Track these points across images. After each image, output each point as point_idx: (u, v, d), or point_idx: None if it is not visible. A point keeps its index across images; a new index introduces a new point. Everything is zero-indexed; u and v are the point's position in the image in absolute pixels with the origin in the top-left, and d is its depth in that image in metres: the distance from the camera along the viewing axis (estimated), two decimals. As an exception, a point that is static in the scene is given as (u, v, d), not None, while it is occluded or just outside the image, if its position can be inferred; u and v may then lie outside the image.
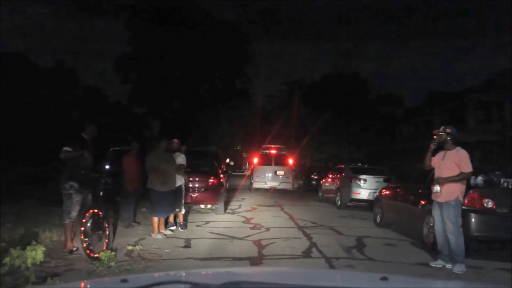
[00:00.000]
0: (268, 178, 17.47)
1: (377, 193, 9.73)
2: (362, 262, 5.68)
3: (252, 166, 19.25)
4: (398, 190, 8.43)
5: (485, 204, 5.95)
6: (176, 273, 2.12)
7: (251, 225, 8.57)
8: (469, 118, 25.79)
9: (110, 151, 8.92)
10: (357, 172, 12.64)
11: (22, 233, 6.00)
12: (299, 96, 36.16)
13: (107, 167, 7.80)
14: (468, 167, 5.33)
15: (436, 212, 5.54)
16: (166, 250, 6.03)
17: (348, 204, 12.39)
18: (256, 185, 17.57)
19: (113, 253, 5.27)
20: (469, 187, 5.59)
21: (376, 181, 11.69)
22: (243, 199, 14.41)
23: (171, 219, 7.81)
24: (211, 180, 9.75)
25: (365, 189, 11.98)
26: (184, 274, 2.08)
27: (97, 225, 5.50)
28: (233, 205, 12.33)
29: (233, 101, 28.15)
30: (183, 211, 8.06)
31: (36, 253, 4.37)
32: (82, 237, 5.11)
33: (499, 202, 5.96)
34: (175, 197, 7.55)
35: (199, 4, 27.29)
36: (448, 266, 5.39)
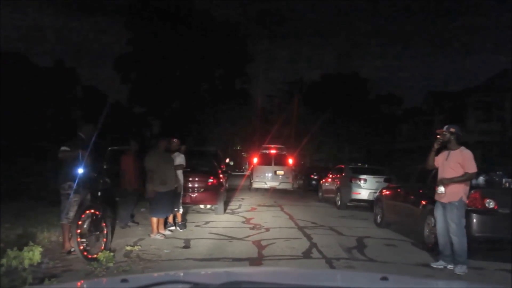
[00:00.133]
0: (268, 178, 17.44)
1: (377, 193, 9.69)
2: (363, 263, 5.64)
3: (252, 166, 19.23)
4: (399, 190, 8.39)
5: (486, 205, 5.90)
6: (176, 273, 2.11)
7: (251, 226, 8.52)
8: (469, 118, 25.78)
9: (108, 150, 8.88)
10: (357, 172, 12.61)
11: (19, 233, 5.95)
12: (299, 96, 36.12)
13: (104, 167, 7.75)
14: (472, 168, 5.26)
15: (438, 213, 5.48)
16: (165, 251, 5.99)
17: (348, 204, 12.35)
18: (256, 185, 17.54)
19: (112, 253, 5.22)
20: (470, 187, 5.53)
21: (376, 181, 11.65)
22: (242, 199, 14.37)
23: (170, 219, 7.77)
24: (211, 180, 9.71)
25: (365, 189, 11.95)
26: (184, 274, 2.08)
27: (95, 226, 5.45)
28: (232, 205, 12.28)
29: (233, 101, 28.13)
30: (181, 211, 8.03)
31: (33, 254, 4.32)
32: (79, 239, 5.06)
33: (501, 202, 5.91)
34: (174, 197, 7.51)
35: (199, 4, 27.30)
36: (450, 267, 5.35)
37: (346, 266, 5.43)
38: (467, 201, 5.41)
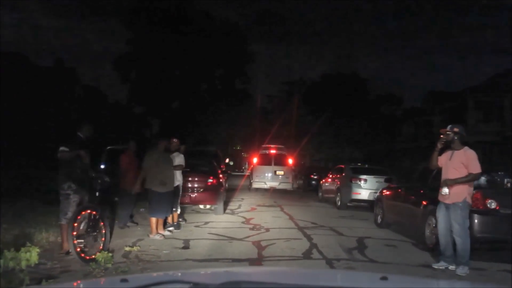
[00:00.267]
0: (267, 178, 17.40)
1: (378, 194, 9.64)
2: (363, 264, 5.60)
3: (252, 166, 19.20)
4: (399, 190, 8.35)
5: (488, 205, 5.87)
6: (175, 273, 2.11)
7: (251, 226, 8.48)
8: (469, 118, 25.73)
9: (106, 150, 8.84)
10: (357, 172, 12.57)
11: (17, 234, 5.90)
12: (299, 96, 36.09)
13: (102, 166, 7.72)
14: (476, 168, 5.19)
15: (441, 213, 5.42)
16: (164, 251, 5.95)
17: (348, 204, 12.31)
18: (255, 185, 17.50)
19: (110, 254, 5.18)
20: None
21: (376, 181, 11.62)
22: (242, 199, 14.33)
23: (169, 219, 7.73)
24: (210, 180, 9.67)
25: (365, 189, 11.91)
26: (183, 273, 2.08)
27: (93, 226, 5.41)
28: (232, 205, 12.24)
29: (233, 101, 28.11)
30: (178, 211, 7.99)
31: (31, 255, 4.28)
32: (75, 241, 5.01)
33: (503, 202, 5.87)
34: (174, 197, 7.47)
35: (199, 4, 27.30)
36: (451, 267, 5.30)
37: (347, 267, 5.39)
38: (471, 202, 5.36)
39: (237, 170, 43.14)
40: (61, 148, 5.54)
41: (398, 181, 9.20)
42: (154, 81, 25.27)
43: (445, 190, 5.26)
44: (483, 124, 25.44)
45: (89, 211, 5.43)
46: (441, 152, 5.51)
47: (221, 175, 10.96)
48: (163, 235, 7.00)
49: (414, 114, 32.76)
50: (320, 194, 15.12)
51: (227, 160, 24.99)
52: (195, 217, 9.59)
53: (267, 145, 19.19)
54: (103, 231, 5.58)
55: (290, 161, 18.14)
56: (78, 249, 5.02)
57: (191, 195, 9.41)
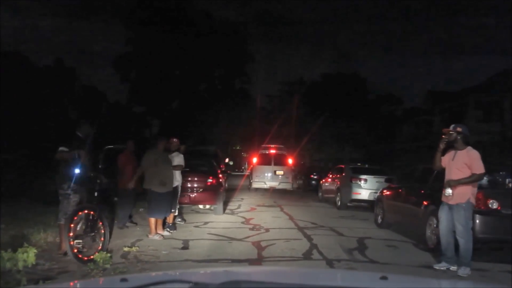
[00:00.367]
0: (267, 178, 17.37)
1: (378, 194, 9.61)
2: (364, 264, 5.57)
3: (252, 166, 19.15)
4: (400, 190, 8.31)
5: (490, 205, 5.83)
6: (175, 272, 2.10)
7: (251, 226, 8.45)
8: (469, 118, 25.70)
9: (104, 149, 8.80)
10: (357, 172, 12.53)
11: (15, 234, 5.87)
12: (299, 96, 36.06)
13: (100, 166, 7.68)
14: (480, 168, 5.14)
15: (443, 214, 5.37)
16: (164, 252, 5.91)
17: (348, 204, 12.28)
18: (255, 185, 17.46)
19: (108, 254, 5.14)
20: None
21: (376, 181, 11.59)
22: (242, 199, 14.29)
23: (169, 219, 7.69)
24: (210, 180, 9.63)
25: (365, 189, 11.87)
26: (183, 273, 2.07)
27: (91, 226, 5.37)
28: (232, 205, 12.20)
29: (232, 101, 28.09)
30: (176, 212, 7.97)
31: (28, 256, 4.24)
32: (72, 242, 4.96)
33: (504, 203, 5.84)
34: (173, 198, 7.43)
35: (199, 4, 27.28)
36: (453, 268, 5.26)
37: (347, 267, 5.36)
38: (474, 203, 5.31)
39: (237, 170, 43.08)
40: (61, 148, 5.50)
41: (399, 181, 9.16)
42: (154, 81, 25.27)
43: (449, 191, 5.21)
44: (483, 124, 25.41)
45: (86, 211, 5.39)
46: (443, 152, 5.46)
47: (220, 175, 10.93)
48: (162, 236, 6.97)
49: (414, 114, 32.75)
50: (320, 194, 15.09)
51: (227, 160, 24.90)
52: (194, 217, 9.55)
53: (267, 145, 19.14)
54: (102, 231, 5.53)
55: (290, 161, 18.10)
56: (75, 250, 4.97)
57: (191, 195, 9.37)
